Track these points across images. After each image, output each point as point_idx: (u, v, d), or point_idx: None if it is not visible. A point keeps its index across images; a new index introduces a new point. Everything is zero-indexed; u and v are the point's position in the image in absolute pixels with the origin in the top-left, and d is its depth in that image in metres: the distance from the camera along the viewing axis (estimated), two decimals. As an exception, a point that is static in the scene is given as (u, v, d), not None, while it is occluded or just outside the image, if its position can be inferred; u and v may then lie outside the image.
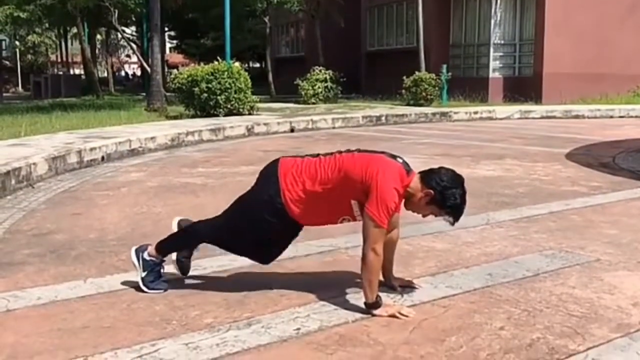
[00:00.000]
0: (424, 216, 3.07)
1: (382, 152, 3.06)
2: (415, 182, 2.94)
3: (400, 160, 2.99)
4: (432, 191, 2.89)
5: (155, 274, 3.23)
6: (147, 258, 3.22)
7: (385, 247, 3.01)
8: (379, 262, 2.90)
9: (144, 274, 3.21)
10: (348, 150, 3.13)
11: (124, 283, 3.33)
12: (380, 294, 2.92)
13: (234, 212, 3.17)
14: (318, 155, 3.12)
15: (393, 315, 2.83)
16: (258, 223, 3.05)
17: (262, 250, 3.18)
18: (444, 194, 2.89)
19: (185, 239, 3.29)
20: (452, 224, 3.02)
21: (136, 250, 3.27)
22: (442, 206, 2.93)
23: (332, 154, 3.10)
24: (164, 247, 3.25)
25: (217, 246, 3.31)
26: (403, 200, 2.98)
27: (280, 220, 3.02)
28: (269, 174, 3.07)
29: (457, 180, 2.95)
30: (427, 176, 2.95)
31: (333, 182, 2.96)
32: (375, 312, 2.85)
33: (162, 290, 3.19)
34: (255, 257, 3.24)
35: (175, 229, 3.32)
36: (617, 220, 4.73)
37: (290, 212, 2.99)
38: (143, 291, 3.18)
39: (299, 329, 2.73)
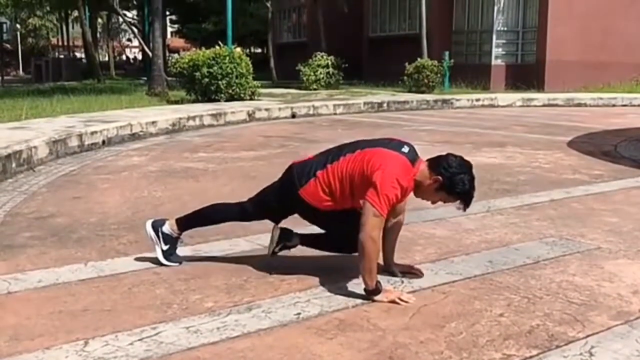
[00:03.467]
0: (433, 203, 3.07)
1: (389, 141, 3.06)
2: (423, 170, 2.95)
3: (406, 150, 2.99)
4: (440, 177, 2.90)
5: (174, 247, 3.33)
6: (167, 231, 3.30)
7: (390, 232, 3.02)
8: (376, 250, 2.90)
9: (165, 247, 3.29)
10: (354, 145, 3.13)
11: (124, 266, 3.34)
12: (381, 279, 2.92)
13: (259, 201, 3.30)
14: (327, 155, 3.15)
15: (393, 301, 2.84)
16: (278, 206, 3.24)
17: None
18: (453, 180, 2.89)
19: (209, 217, 3.40)
20: (464, 209, 3.03)
21: (153, 224, 3.34)
22: (451, 192, 2.93)
23: (338, 156, 3.10)
24: (184, 223, 3.34)
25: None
26: (412, 190, 3.00)
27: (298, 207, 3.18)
28: (287, 186, 3.17)
29: (465, 166, 2.95)
30: (434, 163, 2.95)
31: (343, 189, 3.03)
32: (376, 298, 2.86)
33: (178, 264, 3.30)
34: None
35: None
36: (618, 208, 4.73)
37: (311, 205, 3.12)
38: (162, 264, 3.28)
39: (299, 313, 2.74)
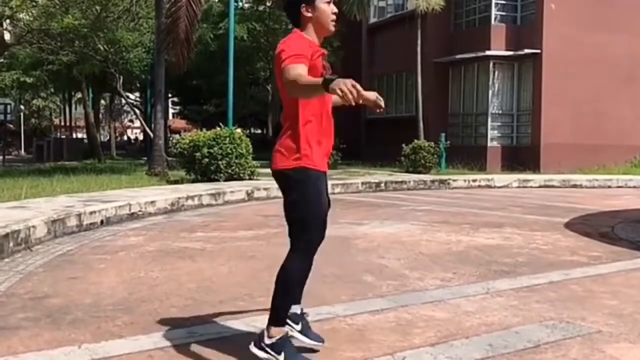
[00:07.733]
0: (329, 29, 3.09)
1: None
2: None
3: None
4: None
5: (292, 350, 2.90)
6: (271, 341, 2.87)
7: None
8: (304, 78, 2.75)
9: (281, 358, 2.85)
10: None
11: (118, 349, 3.28)
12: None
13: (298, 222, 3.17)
14: None
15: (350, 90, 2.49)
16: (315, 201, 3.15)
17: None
18: None
19: (288, 289, 2.98)
20: None
21: (254, 344, 2.91)
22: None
23: None
24: (277, 316, 2.94)
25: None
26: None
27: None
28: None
29: None
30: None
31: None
32: (332, 85, 2.50)
33: None
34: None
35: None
36: (618, 290, 4.69)
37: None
38: None
39: (295, 399, 2.68)
